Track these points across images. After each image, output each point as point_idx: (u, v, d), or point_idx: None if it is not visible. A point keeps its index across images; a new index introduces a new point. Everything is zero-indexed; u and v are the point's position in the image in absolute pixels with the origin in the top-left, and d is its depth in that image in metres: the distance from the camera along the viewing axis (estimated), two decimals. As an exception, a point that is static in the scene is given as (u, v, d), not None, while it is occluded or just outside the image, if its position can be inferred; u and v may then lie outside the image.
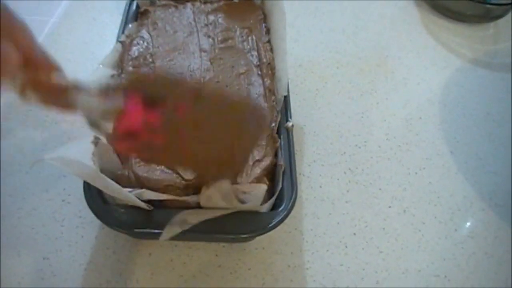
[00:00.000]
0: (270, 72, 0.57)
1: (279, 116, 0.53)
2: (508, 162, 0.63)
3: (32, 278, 0.49)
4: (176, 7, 0.64)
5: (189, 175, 0.46)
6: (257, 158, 0.48)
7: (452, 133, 0.66)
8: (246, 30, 0.61)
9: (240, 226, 0.44)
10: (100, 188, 0.42)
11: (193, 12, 0.63)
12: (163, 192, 0.44)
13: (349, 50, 0.77)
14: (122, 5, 0.64)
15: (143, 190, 0.44)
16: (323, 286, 0.50)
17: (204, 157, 0.41)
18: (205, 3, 0.64)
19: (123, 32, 0.60)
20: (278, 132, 0.52)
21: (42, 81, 0.35)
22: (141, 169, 0.46)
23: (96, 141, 0.44)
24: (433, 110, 0.69)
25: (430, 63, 0.76)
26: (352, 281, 0.51)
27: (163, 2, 0.64)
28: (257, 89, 0.55)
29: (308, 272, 0.51)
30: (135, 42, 0.58)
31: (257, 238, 0.49)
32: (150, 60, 0.56)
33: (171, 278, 0.49)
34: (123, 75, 0.55)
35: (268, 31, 0.62)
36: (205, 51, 0.58)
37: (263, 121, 0.46)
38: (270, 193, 0.47)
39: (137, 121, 0.37)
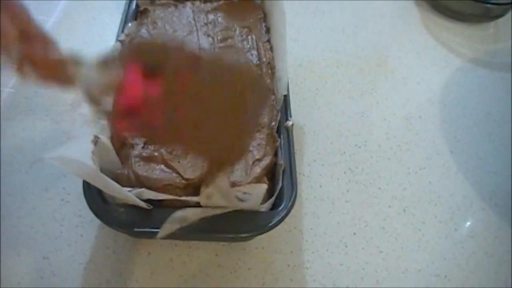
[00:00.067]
0: (270, 71, 0.57)
1: (279, 115, 0.53)
2: (508, 162, 0.63)
3: (32, 277, 0.49)
4: (175, 6, 0.64)
5: (189, 174, 0.46)
6: (257, 157, 0.48)
7: (452, 132, 0.66)
8: (245, 30, 0.61)
9: (240, 225, 0.44)
10: (100, 187, 0.42)
11: (193, 11, 0.63)
12: (163, 192, 0.44)
13: (349, 50, 0.77)
14: (122, 5, 0.64)
15: (143, 189, 0.44)
16: (323, 285, 0.50)
17: (206, 132, 0.39)
18: (204, 2, 0.64)
19: (122, 31, 0.60)
20: (278, 132, 0.52)
21: (39, 55, 0.35)
22: (141, 169, 0.46)
23: (95, 140, 0.44)
24: (433, 109, 0.69)
25: (430, 63, 0.76)
26: (352, 280, 0.51)
27: (163, 1, 0.64)
28: (257, 89, 0.54)
29: (308, 271, 0.51)
30: (134, 41, 0.58)
31: (257, 237, 0.49)
32: (150, 59, 0.56)
33: (171, 278, 0.49)
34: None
35: (268, 31, 0.62)
36: (204, 50, 0.58)
37: (264, 90, 0.45)
38: (270, 192, 0.47)
39: (137, 94, 0.37)
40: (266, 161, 0.48)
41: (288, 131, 0.51)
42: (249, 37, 0.60)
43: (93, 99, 0.38)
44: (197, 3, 0.64)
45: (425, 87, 0.73)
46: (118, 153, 0.48)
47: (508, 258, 0.54)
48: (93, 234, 0.52)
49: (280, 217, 0.44)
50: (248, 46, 0.59)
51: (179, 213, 0.42)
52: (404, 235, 0.55)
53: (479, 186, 0.61)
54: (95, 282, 0.49)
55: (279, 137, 0.51)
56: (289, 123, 0.52)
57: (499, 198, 0.60)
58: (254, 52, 0.58)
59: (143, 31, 0.60)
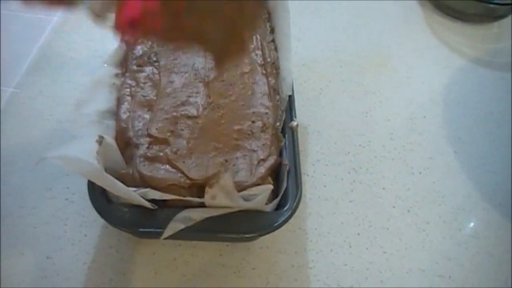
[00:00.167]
0: (274, 71, 0.57)
1: (284, 115, 0.53)
2: (511, 162, 0.63)
3: (35, 276, 0.49)
4: None
5: (193, 174, 0.46)
6: (261, 157, 0.48)
7: (456, 132, 0.66)
8: (250, 29, 0.61)
9: (245, 225, 0.44)
10: (105, 187, 0.42)
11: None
12: (167, 192, 0.44)
13: (353, 49, 0.76)
14: (126, 4, 0.64)
15: (148, 189, 0.44)
16: (327, 285, 0.50)
17: (206, 29, 0.40)
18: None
19: (127, 31, 0.59)
20: (282, 132, 0.52)
21: None
22: (146, 169, 0.46)
23: (100, 140, 0.44)
24: (437, 109, 0.69)
25: (433, 63, 0.76)
26: (356, 280, 0.51)
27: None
28: (261, 88, 0.54)
29: (312, 271, 0.51)
30: (139, 41, 0.58)
31: (261, 237, 0.49)
32: (154, 59, 0.56)
33: (175, 277, 0.49)
34: (127, 74, 0.54)
35: (272, 30, 0.62)
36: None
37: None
38: (274, 192, 0.47)
39: (137, 9, 0.37)
40: (271, 161, 0.48)
41: (293, 131, 0.51)
42: (254, 37, 0.60)
43: (97, 17, 0.39)
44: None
45: (428, 87, 0.72)
46: (122, 153, 0.48)
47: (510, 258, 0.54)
48: (96, 234, 0.52)
49: (285, 217, 0.44)
50: (253, 46, 0.59)
51: (183, 213, 0.42)
52: (408, 235, 0.55)
53: (483, 186, 0.60)
54: (98, 281, 0.49)
55: (284, 137, 0.51)
56: (294, 123, 0.52)
57: (502, 198, 0.59)
58: (259, 52, 0.58)
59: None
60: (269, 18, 0.63)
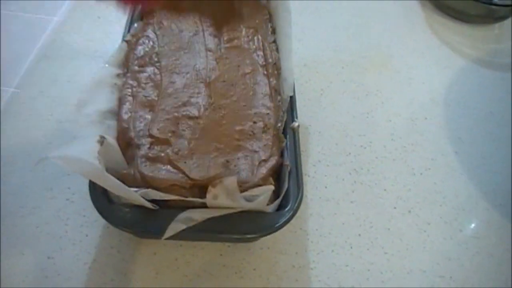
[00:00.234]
0: (275, 72, 0.57)
1: (285, 116, 0.53)
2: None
3: (36, 276, 0.49)
4: None
5: (194, 175, 0.46)
6: (263, 158, 0.48)
7: (457, 133, 0.66)
8: (251, 30, 0.61)
9: (246, 226, 0.44)
10: (106, 187, 0.42)
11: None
12: (169, 192, 0.44)
13: (354, 50, 0.77)
14: (127, 4, 0.64)
15: (149, 189, 0.44)
16: (328, 286, 0.50)
17: None
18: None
19: (128, 31, 0.60)
20: (284, 132, 0.52)
21: None
22: (147, 169, 0.46)
23: (102, 141, 0.44)
24: (438, 110, 0.69)
25: (434, 63, 0.76)
26: (357, 281, 0.51)
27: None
28: (263, 89, 0.54)
29: (313, 272, 0.51)
30: (140, 41, 0.58)
31: (262, 238, 0.49)
32: (156, 59, 0.56)
33: (176, 278, 0.49)
34: (128, 75, 0.54)
35: (273, 31, 0.62)
36: (210, 51, 0.58)
37: None
38: (275, 193, 0.47)
39: None
40: (272, 161, 0.48)
41: (294, 132, 0.51)
42: (255, 37, 0.60)
43: None
44: (203, 3, 0.64)
45: (429, 87, 0.72)
46: (123, 153, 0.48)
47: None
48: (97, 234, 0.52)
49: (286, 218, 0.44)
50: (254, 46, 0.59)
51: (184, 214, 0.42)
52: (409, 236, 0.55)
53: (484, 186, 0.60)
54: (99, 281, 0.49)
55: (285, 138, 0.51)
56: (295, 124, 0.52)
57: (503, 198, 0.60)
58: (260, 53, 0.58)
59: (149, 31, 0.60)
60: (271, 19, 0.63)
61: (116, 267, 0.50)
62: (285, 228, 0.44)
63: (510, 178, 0.62)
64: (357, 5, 0.85)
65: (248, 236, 0.45)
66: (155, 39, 0.59)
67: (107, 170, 0.42)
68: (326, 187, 0.58)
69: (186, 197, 0.44)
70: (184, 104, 0.52)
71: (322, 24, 0.80)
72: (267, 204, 0.45)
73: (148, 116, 0.51)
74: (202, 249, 0.51)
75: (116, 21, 0.73)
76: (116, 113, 0.51)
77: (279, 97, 0.54)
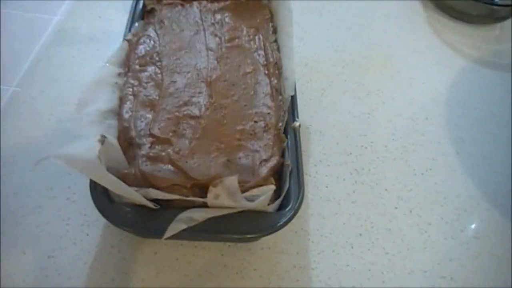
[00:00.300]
0: (277, 71, 0.56)
1: (286, 115, 0.53)
2: (515, 163, 0.63)
3: (37, 276, 0.49)
4: (182, 5, 0.63)
5: (196, 174, 0.46)
6: (264, 157, 0.48)
7: (458, 133, 0.66)
8: (253, 29, 0.61)
9: (247, 226, 0.44)
10: (107, 186, 0.42)
11: (200, 11, 0.63)
12: (170, 192, 0.44)
13: (355, 49, 0.76)
14: (128, 3, 0.64)
15: (150, 189, 0.44)
16: (328, 286, 0.50)
17: None
18: (211, 2, 0.64)
19: (129, 31, 0.59)
20: (285, 132, 0.52)
21: None
22: (148, 168, 0.46)
23: (102, 140, 0.44)
24: (439, 110, 0.69)
25: (436, 63, 0.76)
26: (358, 281, 0.51)
27: (170, 1, 0.64)
28: (264, 88, 0.54)
29: (313, 272, 0.51)
30: (141, 40, 0.58)
31: (263, 238, 0.49)
32: (157, 58, 0.56)
33: (176, 277, 0.49)
34: (129, 74, 0.54)
35: (275, 30, 0.62)
36: (211, 50, 0.58)
37: None
38: (277, 193, 0.47)
39: None
40: (273, 161, 0.48)
41: (295, 131, 0.51)
42: (256, 37, 0.60)
43: None
44: (204, 2, 0.64)
45: (430, 87, 0.72)
46: (124, 153, 0.48)
47: (513, 259, 0.54)
48: (98, 233, 0.52)
49: (287, 218, 0.44)
50: (255, 46, 0.59)
51: (185, 213, 0.42)
52: (410, 236, 0.55)
53: (485, 187, 0.60)
54: (100, 281, 0.49)
55: (286, 137, 0.51)
56: (296, 123, 0.52)
57: (504, 198, 0.59)
58: (261, 52, 0.58)
59: (150, 30, 0.60)
60: (272, 18, 0.63)
61: (117, 267, 0.49)
62: (286, 228, 0.44)
63: (511, 179, 0.62)
64: (358, 5, 0.85)
65: (249, 236, 0.45)
66: (156, 38, 0.59)
67: (108, 169, 0.42)
68: (327, 187, 0.58)
69: (187, 196, 0.44)
70: (185, 104, 0.52)
71: (323, 24, 0.80)
72: (268, 204, 0.45)
73: (149, 116, 0.50)
74: (203, 248, 0.51)
75: (117, 20, 0.73)
76: (117, 113, 0.51)
77: (280, 97, 0.54)
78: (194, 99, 0.52)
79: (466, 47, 0.80)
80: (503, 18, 0.84)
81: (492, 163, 0.63)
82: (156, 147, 0.48)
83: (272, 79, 0.55)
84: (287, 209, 0.45)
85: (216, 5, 0.63)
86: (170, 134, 0.49)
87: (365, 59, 0.75)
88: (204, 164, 0.47)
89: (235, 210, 0.43)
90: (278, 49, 0.59)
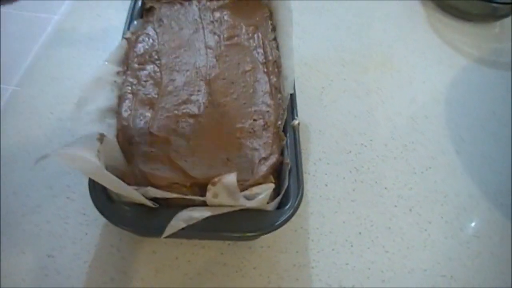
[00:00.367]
0: (276, 69, 0.56)
1: (286, 114, 0.52)
2: (515, 162, 0.63)
3: (36, 275, 0.48)
4: (181, 4, 0.63)
5: (195, 173, 0.45)
6: (263, 156, 0.48)
7: (458, 132, 0.66)
8: (252, 28, 0.61)
9: (246, 224, 0.44)
10: (106, 185, 0.42)
11: (199, 9, 0.63)
12: (169, 190, 0.44)
13: (354, 48, 0.76)
14: (127, 2, 0.64)
15: (149, 188, 0.44)
16: (328, 285, 0.50)
17: None
18: (210, 0, 0.64)
19: (128, 29, 0.59)
20: (284, 130, 0.51)
21: None
22: (147, 167, 0.46)
23: (101, 138, 0.44)
24: (439, 108, 0.69)
25: (436, 62, 0.76)
26: (358, 280, 0.51)
27: (169, -1, 0.64)
28: (263, 87, 0.54)
29: (313, 271, 0.51)
30: (140, 39, 0.58)
31: (263, 236, 0.49)
32: (156, 57, 0.56)
33: (176, 276, 0.49)
34: (128, 72, 0.54)
35: (274, 29, 0.62)
36: (210, 48, 0.58)
37: None
38: (276, 191, 0.47)
39: None
40: (273, 159, 0.48)
41: (294, 130, 0.51)
42: (255, 35, 0.60)
43: None
44: (203, 1, 0.64)
45: (430, 86, 0.72)
46: (123, 151, 0.47)
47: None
48: (97, 232, 0.52)
49: (286, 216, 0.44)
50: (255, 44, 0.59)
51: (184, 212, 0.42)
52: (409, 235, 0.55)
53: (485, 186, 0.60)
54: (99, 280, 0.48)
55: (285, 136, 0.51)
56: (296, 122, 0.52)
57: (505, 198, 0.59)
58: (260, 51, 0.58)
59: (149, 28, 0.60)
60: (271, 17, 0.63)
61: (116, 266, 0.49)
62: (285, 226, 0.44)
63: (510, 177, 0.61)
64: (358, 5, 0.85)
65: (249, 234, 0.45)
66: (155, 36, 0.59)
67: (107, 168, 0.42)
68: (326, 185, 0.58)
69: (186, 195, 0.44)
70: (184, 102, 0.52)
71: (323, 23, 0.80)
72: (268, 202, 0.45)
73: (148, 114, 0.50)
74: (203, 247, 0.51)
75: (116, 19, 0.73)
76: (116, 111, 0.51)
77: (279, 95, 0.54)
78: (193, 98, 0.52)
79: (466, 46, 0.80)
80: (503, 16, 0.83)
81: (492, 162, 0.63)
82: (155, 145, 0.48)
83: (272, 77, 0.55)
84: (286, 207, 0.45)
85: (215, 3, 0.63)
86: (169, 132, 0.49)
87: (365, 58, 0.75)
88: (203, 162, 0.47)
89: (234, 209, 0.43)
90: (277, 48, 0.59)
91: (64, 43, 0.71)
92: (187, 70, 0.55)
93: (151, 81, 0.54)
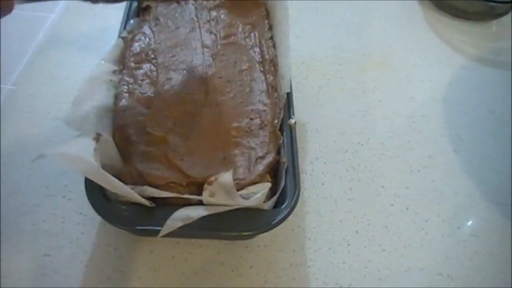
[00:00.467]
0: (272, 68, 0.56)
1: (282, 113, 0.52)
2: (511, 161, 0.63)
3: (33, 274, 0.48)
4: (178, 2, 0.63)
5: (192, 172, 0.45)
6: (259, 155, 0.48)
7: (456, 131, 0.66)
8: (248, 27, 0.61)
9: (243, 223, 0.44)
10: (102, 184, 0.42)
11: (195, 8, 0.63)
12: (165, 189, 0.44)
13: (352, 47, 0.76)
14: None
15: (145, 187, 0.44)
16: (325, 284, 0.50)
17: None
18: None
19: (124, 28, 0.59)
20: (281, 129, 0.51)
21: None
22: (144, 166, 0.46)
23: (98, 138, 0.43)
24: (437, 107, 0.69)
25: (434, 61, 0.76)
26: (355, 279, 0.51)
27: (165, -2, 0.64)
28: (259, 86, 0.54)
29: (310, 270, 0.51)
30: (137, 38, 0.58)
31: (260, 235, 0.49)
32: (152, 56, 0.56)
33: (173, 275, 0.49)
34: (124, 71, 0.54)
35: (271, 28, 0.62)
36: (207, 47, 0.58)
37: None
38: (272, 190, 0.47)
39: None
40: (269, 158, 0.48)
41: (291, 129, 0.51)
42: (252, 34, 0.60)
43: None
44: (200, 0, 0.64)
45: (428, 85, 0.72)
46: (120, 151, 0.47)
47: (511, 257, 0.54)
48: (94, 232, 0.52)
49: (283, 215, 0.44)
50: (251, 43, 0.59)
51: (181, 211, 0.42)
52: (406, 234, 0.55)
53: (483, 185, 0.60)
54: (96, 279, 0.48)
55: (282, 135, 0.51)
56: (292, 121, 0.52)
57: (502, 197, 0.59)
58: (257, 50, 0.58)
59: (146, 27, 0.59)
60: (268, 16, 0.63)
61: (113, 265, 0.49)
62: (282, 225, 0.44)
63: (509, 177, 0.61)
64: (356, 4, 0.85)
65: (245, 233, 0.45)
66: (152, 35, 0.59)
67: (104, 167, 0.42)
68: (323, 184, 0.58)
69: (183, 194, 0.44)
70: (181, 101, 0.52)
71: (320, 22, 0.80)
72: (264, 202, 0.45)
73: (145, 113, 0.50)
74: (200, 246, 0.51)
75: (112, 17, 0.73)
76: (113, 110, 0.51)
77: (276, 94, 0.54)
78: (189, 97, 0.52)
79: (464, 45, 0.80)
80: (501, 15, 0.84)
81: (490, 161, 0.63)
82: (152, 144, 0.48)
83: (268, 76, 0.55)
84: (283, 206, 0.45)
85: (211, 2, 0.63)
86: (166, 131, 0.49)
87: (362, 57, 0.75)
88: (200, 161, 0.47)
89: (231, 208, 0.43)
90: (274, 47, 0.59)
91: (61, 42, 0.71)
92: (184, 69, 0.55)
93: (147, 80, 0.54)
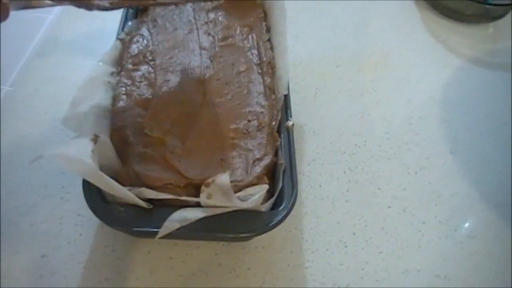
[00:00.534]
0: (270, 70, 0.56)
1: (280, 114, 0.53)
2: (509, 162, 0.63)
3: (31, 275, 0.48)
4: (176, 4, 0.63)
5: (189, 174, 0.46)
6: (257, 156, 0.48)
7: (453, 132, 0.66)
8: (246, 28, 0.61)
9: (240, 225, 0.44)
10: (99, 186, 0.42)
11: (193, 10, 0.63)
12: (163, 191, 0.44)
13: (349, 48, 0.76)
14: (122, 2, 0.64)
15: (143, 188, 0.44)
16: (323, 285, 0.50)
17: None
18: (205, 0, 0.64)
19: (122, 30, 0.59)
20: (278, 131, 0.52)
21: None
22: (141, 167, 0.46)
23: (95, 139, 0.44)
24: (434, 109, 0.69)
25: (431, 62, 0.76)
26: (352, 280, 0.51)
27: (163, 0, 0.64)
28: (257, 87, 0.54)
29: (308, 271, 0.51)
30: (134, 39, 0.58)
31: (257, 237, 0.49)
32: (150, 57, 0.56)
33: (171, 277, 0.49)
34: (122, 73, 0.54)
35: (268, 30, 0.62)
36: (205, 49, 0.58)
37: None
38: (270, 192, 0.47)
39: None
40: (267, 160, 0.48)
41: (289, 130, 0.51)
42: (250, 36, 0.60)
43: None
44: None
45: (425, 86, 0.72)
46: (118, 152, 0.47)
47: (509, 258, 0.54)
48: (92, 233, 0.52)
49: (280, 217, 0.44)
50: (249, 45, 0.59)
51: (179, 213, 0.42)
52: (404, 235, 0.55)
53: (480, 186, 0.60)
54: (94, 280, 0.48)
55: (280, 136, 0.51)
56: (290, 123, 0.52)
57: (499, 198, 0.59)
58: (255, 51, 0.58)
59: (143, 29, 0.60)
60: (265, 17, 0.63)
61: (110, 266, 0.49)
62: (280, 227, 0.44)
63: (507, 178, 0.62)
64: (353, 5, 0.85)
65: (243, 235, 0.45)
66: (149, 37, 0.59)
67: (101, 168, 0.42)
68: (320, 186, 0.58)
69: (181, 196, 0.44)
70: (179, 103, 0.52)
71: (318, 23, 0.80)
72: (262, 203, 0.45)
73: (143, 114, 0.50)
74: (197, 248, 0.51)
75: (110, 19, 0.73)
76: (110, 112, 0.51)
77: (273, 96, 0.54)
78: (187, 98, 0.52)
79: (460, 46, 0.80)
80: (497, 17, 0.84)
81: (488, 162, 0.63)
82: (150, 146, 0.48)
83: (266, 78, 0.55)
84: (280, 208, 0.45)
85: (209, 4, 0.63)
86: (164, 133, 0.49)
87: (360, 58, 0.75)
88: (198, 163, 0.47)
89: (228, 210, 0.43)
90: (272, 48, 0.59)
91: (59, 43, 0.71)
92: (181, 71, 0.55)
93: (145, 82, 0.54)
